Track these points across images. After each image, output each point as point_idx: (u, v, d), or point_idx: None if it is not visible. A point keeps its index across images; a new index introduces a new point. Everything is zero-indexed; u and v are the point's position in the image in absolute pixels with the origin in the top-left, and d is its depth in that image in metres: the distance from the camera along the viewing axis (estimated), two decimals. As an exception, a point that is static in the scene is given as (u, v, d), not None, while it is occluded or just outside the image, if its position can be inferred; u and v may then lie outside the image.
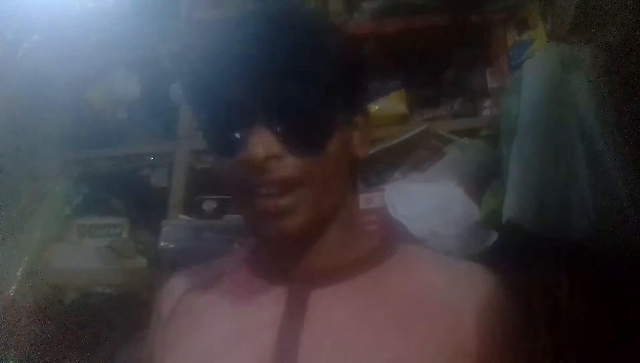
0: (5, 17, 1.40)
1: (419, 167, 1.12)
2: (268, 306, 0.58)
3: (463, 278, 0.60)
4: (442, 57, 1.32)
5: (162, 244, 1.21)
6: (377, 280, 0.59)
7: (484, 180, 1.04)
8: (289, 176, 0.53)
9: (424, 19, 1.25)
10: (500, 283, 0.61)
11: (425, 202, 1.02)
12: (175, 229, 1.24)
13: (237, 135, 0.53)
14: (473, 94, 1.26)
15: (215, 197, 1.32)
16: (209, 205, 1.32)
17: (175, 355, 0.60)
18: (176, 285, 0.68)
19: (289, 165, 0.53)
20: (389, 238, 0.67)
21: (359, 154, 0.61)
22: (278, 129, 0.53)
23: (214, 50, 0.57)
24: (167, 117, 1.42)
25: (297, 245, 0.59)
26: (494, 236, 0.98)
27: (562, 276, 0.93)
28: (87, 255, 1.38)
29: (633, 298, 0.83)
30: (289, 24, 0.56)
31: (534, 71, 0.99)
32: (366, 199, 1.11)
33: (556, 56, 0.98)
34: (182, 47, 1.43)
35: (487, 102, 1.21)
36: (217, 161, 0.58)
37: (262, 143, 0.52)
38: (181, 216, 1.29)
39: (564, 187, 0.88)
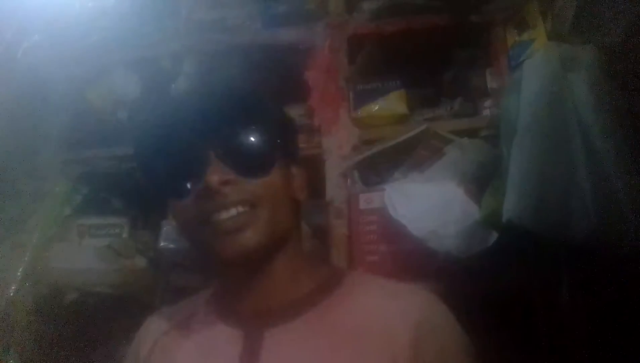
0: (5, 17, 1.40)
1: (419, 167, 1.12)
2: (227, 349, 0.64)
3: (399, 300, 0.65)
4: (442, 57, 1.31)
5: (162, 244, 1.21)
6: (325, 312, 0.65)
7: (484, 180, 1.04)
8: (243, 198, 0.62)
9: (424, 19, 1.25)
10: (439, 302, 0.65)
11: (425, 202, 1.02)
12: (175, 229, 1.24)
13: (195, 172, 0.63)
14: (473, 94, 1.26)
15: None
16: (209, 205, 1.32)
17: None
18: (152, 328, 0.74)
19: (242, 189, 0.63)
20: (333, 270, 0.74)
21: (298, 196, 0.72)
22: (229, 160, 0.63)
23: (173, 114, 0.68)
24: (167, 117, 1.42)
25: (249, 278, 0.66)
26: (494, 236, 0.98)
27: (562, 276, 0.93)
28: (87, 255, 1.38)
29: (633, 298, 0.83)
30: (234, 100, 0.69)
31: (534, 71, 0.99)
32: (366, 199, 1.11)
33: (556, 56, 0.98)
34: (182, 48, 1.43)
35: (487, 102, 1.21)
36: (176, 208, 0.66)
37: (217, 172, 0.62)
38: (181, 216, 1.29)
39: (564, 187, 0.88)
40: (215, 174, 0.62)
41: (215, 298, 0.73)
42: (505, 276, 0.96)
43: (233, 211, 0.62)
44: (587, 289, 0.90)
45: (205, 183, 0.61)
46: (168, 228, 1.24)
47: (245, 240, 0.62)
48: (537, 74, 0.98)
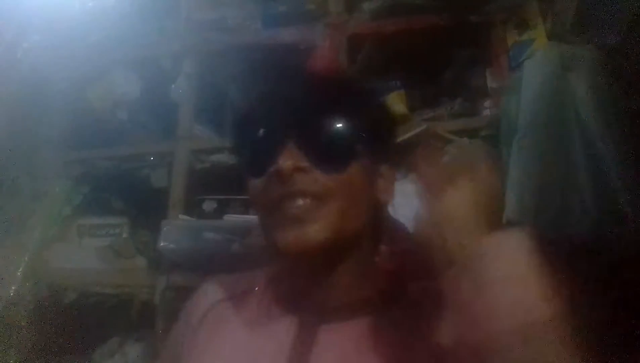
0: (5, 17, 1.40)
1: (419, 167, 1.12)
2: (280, 335, 0.62)
3: None
4: (442, 57, 1.31)
5: (162, 244, 1.21)
6: (379, 322, 0.62)
7: (484, 180, 1.04)
8: (313, 189, 0.58)
9: (424, 19, 1.25)
10: None
11: (425, 202, 1.02)
12: (175, 229, 1.24)
13: (271, 153, 0.59)
14: (473, 94, 1.26)
15: (215, 197, 1.33)
16: (209, 205, 1.32)
17: None
18: (207, 295, 0.71)
19: (314, 179, 0.58)
20: (398, 280, 0.69)
21: (382, 198, 0.67)
22: (305, 147, 0.59)
23: (265, 88, 0.66)
24: (167, 117, 1.42)
25: (313, 274, 0.63)
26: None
27: (562, 277, 0.93)
28: (87, 255, 1.38)
29: (633, 298, 0.83)
30: (336, 83, 0.66)
31: (534, 71, 0.99)
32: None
33: (556, 56, 0.98)
34: (182, 48, 1.43)
35: (487, 102, 1.21)
36: (251, 184, 0.63)
37: (291, 157, 0.58)
38: (181, 216, 1.29)
39: (564, 187, 0.88)
40: (289, 159, 0.58)
41: (274, 282, 0.69)
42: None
43: (300, 202, 0.58)
44: (587, 289, 0.90)
45: (277, 166, 0.58)
46: (168, 228, 1.24)
47: (310, 234, 0.58)
48: (537, 74, 0.98)
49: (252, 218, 1.28)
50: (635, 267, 0.82)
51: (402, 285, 0.67)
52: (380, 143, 0.66)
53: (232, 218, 1.26)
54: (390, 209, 1.02)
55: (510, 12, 1.21)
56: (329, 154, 0.60)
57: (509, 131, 0.98)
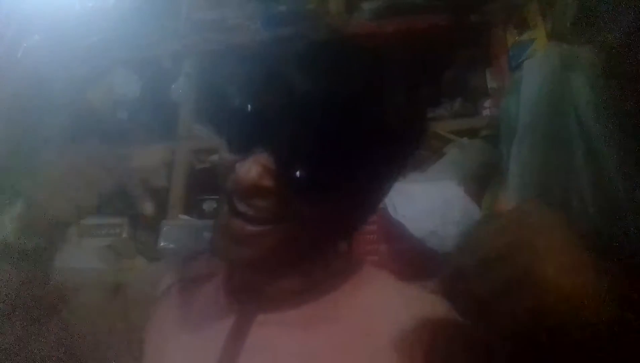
0: (5, 17, 1.40)
1: (419, 167, 1.12)
2: (220, 321, 0.59)
3: (410, 307, 0.56)
4: (442, 57, 1.32)
5: (162, 244, 1.21)
6: (325, 306, 0.57)
7: (484, 180, 1.04)
8: (271, 213, 0.49)
9: (424, 19, 1.25)
10: (450, 313, 0.57)
11: (425, 202, 1.02)
12: (175, 229, 1.24)
13: (252, 145, 0.49)
14: (473, 94, 1.26)
15: (215, 197, 1.32)
16: (209, 205, 1.32)
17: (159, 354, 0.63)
18: (172, 274, 0.71)
19: (277, 203, 0.48)
20: (351, 261, 0.63)
21: None
22: (285, 167, 0.47)
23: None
24: (167, 117, 1.42)
25: (250, 253, 0.55)
26: (494, 236, 0.98)
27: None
28: (87, 255, 1.38)
29: (633, 298, 0.83)
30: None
31: (534, 71, 0.99)
32: (366, 199, 1.11)
33: (556, 56, 0.98)
34: (182, 48, 1.43)
35: (487, 102, 1.21)
36: (222, 155, 0.53)
37: (259, 169, 0.47)
38: (181, 216, 1.29)
39: (564, 187, 0.88)
40: (255, 170, 0.47)
41: (226, 267, 0.65)
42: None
43: (251, 214, 0.50)
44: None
45: (243, 172, 0.48)
46: (168, 228, 1.24)
47: (244, 255, 0.52)
48: (537, 74, 0.98)
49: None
50: (635, 267, 0.82)
51: (348, 269, 0.61)
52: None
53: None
54: (390, 210, 1.03)
55: (510, 12, 1.21)
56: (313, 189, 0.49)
57: (509, 131, 0.98)
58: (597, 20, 0.99)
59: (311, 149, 0.47)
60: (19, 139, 1.39)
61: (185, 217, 1.29)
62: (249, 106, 0.51)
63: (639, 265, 0.81)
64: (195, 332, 0.61)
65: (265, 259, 0.52)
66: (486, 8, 1.23)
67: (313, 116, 0.46)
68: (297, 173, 0.47)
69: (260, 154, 0.48)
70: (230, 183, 0.50)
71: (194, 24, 1.45)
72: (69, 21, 1.45)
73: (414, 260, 1.02)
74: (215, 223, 0.54)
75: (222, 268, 0.65)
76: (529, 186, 0.91)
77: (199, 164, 1.36)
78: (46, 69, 1.44)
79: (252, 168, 0.47)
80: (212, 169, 1.34)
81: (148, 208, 1.37)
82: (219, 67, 1.43)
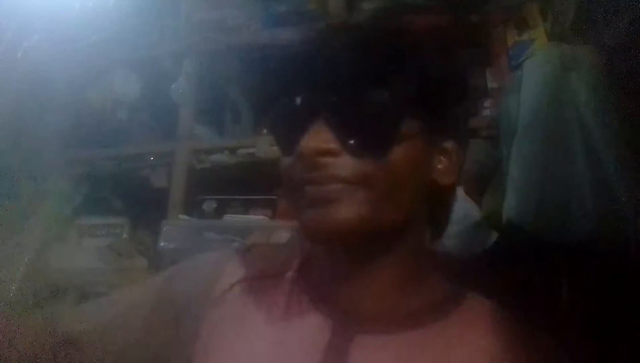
0: (5, 17, 1.40)
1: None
2: (310, 334, 0.53)
3: (520, 352, 0.52)
4: (442, 57, 1.31)
5: (162, 244, 1.21)
6: (428, 339, 0.52)
7: (484, 180, 1.04)
8: (343, 175, 0.49)
9: (424, 19, 1.25)
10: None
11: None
12: (175, 229, 1.24)
13: (297, 131, 0.50)
14: (473, 94, 1.26)
15: (215, 197, 1.33)
16: (209, 205, 1.32)
17: (216, 356, 0.56)
18: (233, 270, 0.61)
19: (345, 164, 0.49)
20: (455, 289, 0.58)
21: (441, 180, 0.54)
22: (337, 127, 0.49)
23: (290, 50, 0.55)
24: (167, 117, 1.43)
25: (348, 268, 0.54)
26: (494, 236, 0.98)
27: (562, 277, 0.93)
28: (87, 255, 1.38)
29: (633, 299, 0.83)
30: (376, 36, 0.53)
31: (534, 71, 0.99)
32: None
33: (556, 56, 0.98)
34: (182, 48, 1.43)
35: (487, 102, 1.21)
36: (281, 161, 0.54)
37: (317, 138, 0.49)
38: (181, 216, 1.29)
39: (564, 187, 0.88)
40: (314, 141, 0.48)
41: (306, 273, 0.59)
42: (505, 277, 0.96)
43: (325, 186, 0.49)
44: (587, 289, 0.90)
45: (300, 148, 0.49)
46: (168, 228, 1.24)
47: (334, 216, 0.48)
48: (537, 74, 0.98)
49: (252, 218, 1.28)
50: (635, 268, 0.82)
51: (458, 295, 0.57)
52: (443, 114, 0.53)
53: (232, 218, 1.27)
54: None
55: (510, 12, 1.21)
56: (365, 136, 0.49)
57: (509, 131, 0.98)
58: (597, 20, 0.99)
59: (349, 105, 0.49)
60: (19, 139, 1.39)
61: (185, 217, 1.29)
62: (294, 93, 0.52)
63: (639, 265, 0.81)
64: (267, 341, 0.55)
65: (354, 226, 0.49)
66: (486, 8, 1.23)
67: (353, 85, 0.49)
68: (351, 133, 0.49)
69: (315, 126, 0.49)
70: (296, 166, 0.50)
71: (194, 24, 1.45)
72: (69, 21, 1.45)
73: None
74: (294, 204, 0.52)
75: (295, 269, 0.59)
76: (529, 186, 0.91)
77: (199, 164, 1.36)
78: (46, 69, 1.44)
79: (310, 139, 0.49)
80: (213, 169, 1.34)
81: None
82: (219, 67, 1.43)
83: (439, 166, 0.54)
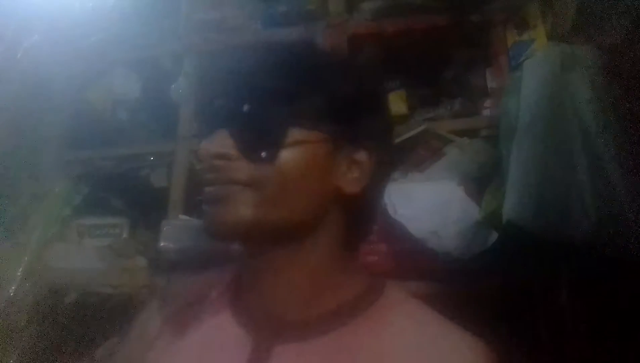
0: (5, 17, 1.40)
1: (419, 167, 1.12)
2: (233, 352, 0.55)
3: (442, 345, 0.54)
4: (442, 57, 1.31)
5: (162, 244, 1.21)
6: (346, 337, 0.54)
7: (484, 180, 1.04)
8: (237, 178, 0.53)
9: (424, 19, 1.25)
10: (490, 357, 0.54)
11: (425, 202, 1.02)
12: (175, 229, 1.24)
13: (205, 135, 0.56)
14: (473, 94, 1.26)
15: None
16: (209, 205, 1.32)
17: None
18: (162, 306, 0.65)
19: (238, 168, 0.53)
20: (375, 284, 0.60)
21: (345, 188, 0.56)
22: (234, 133, 0.54)
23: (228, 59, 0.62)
24: (167, 117, 1.42)
25: (258, 271, 0.57)
26: (494, 236, 0.98)
27: (562, 277, 0.93)
28: (87, 255, 1.38)
29: (633, 299, 0.83)
30: (288, 57, 0.58)
31: (534, 71, 0.99)
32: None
33: (556, 56, 0.98)
34: (182, 48, 1.43)
35: (487, 102, 1.21)
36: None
37: (217, 142, 0.54)
38: (181, 216, 1.29)
39: (564, 187, 0.88)
40: (212, 145, 0.54)
41: (231, 283, 0.62)
42: (505, 277, 0.96)
43: (221, 188, 0.54)
44: (587, 289, 0.90)
45: (200, 148, 0.55)
46: (168, 228, 1.23)
47: (226, 213, 0.53)
48: (537, 74, 0.98)
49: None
50: (635, 267, 0.82)
51: (375, 291, 0.59)
52: (346, 126, 0.55)
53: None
54: (390, 210, 1.03)
55: (510, 12, 1.21)
56: (255, 143, 0.53)
57: (509, 131, 0.98)
58: (597, 20, 0.99)
59: (243, 112, 0.54)
60: (19, 139, 1.39)
61: (185, 217, 1.29)
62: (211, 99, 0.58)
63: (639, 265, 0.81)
64: (203, 359, 0.57)
65: (244, 226, 0.53)
66: (486, 8, 1.23)
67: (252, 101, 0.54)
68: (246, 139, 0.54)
69: (219, 131, 0.55)
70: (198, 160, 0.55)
71: (194, 24, 1.44)
72: (69, 21, 1.45)
73: (414, 260, 1.02)
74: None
75: (223, 287, 0.62)
76: (529, 186, 0.91)
77: (199, 164, 1.36)
78: (46, 69, 1.44)
79: (210, 142, 0.54)
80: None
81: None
82: (219, 67, 1.43)
83: (347, 175, 0.56)
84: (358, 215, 0.59)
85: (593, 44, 0.98)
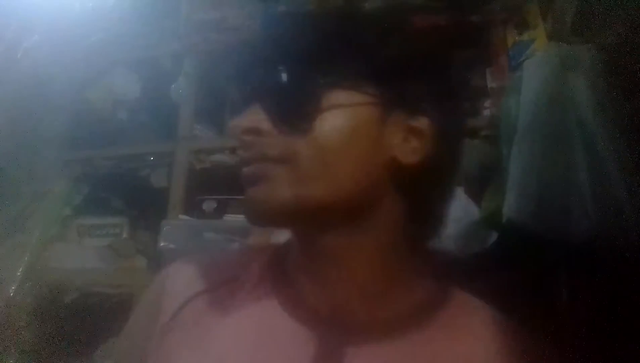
0: (5, 17, 1.40)
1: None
2: (290, 349, 0.48)
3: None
4: (442, 57, 1.31)
5: (162, 244, 1.21)
6: (424, 345, 0.49)
7: (484, 180, 1.04)
8: (272, 154, 0.48)
9: (424, 19, 1.25)
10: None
11: (425, 202, 1.02)
12: (175, 229, 1.24)
13: (236, 113, 0.51)
14: (473, 94, 1.26)
15: (215, 197, 1.33)
16: (209, 205, 1.32)
17: None
18: (181, 282, 0.56)
19: (271, 143, 0.48)
20: (443, 287, 0.54)
21: (402, 158, 0.49)
22: (265, 106, 0.49)
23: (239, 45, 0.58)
24: (167, 117, 1.42)
25: (311, 257, 0.51)
26: (494, 236, 0.98)
27: (562, 277, 0.93)
28: (87, 255, 1.38)
29: (633, 299, 0.83)
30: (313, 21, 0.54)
31: (534, 71, 0.99)
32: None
33: (556, 56, 0.98)
34: (182, 48, 1.43)
35: (487, 102, 1.21)
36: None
37: (247, 118, 0.49)
38: (181, 216, 1.29)
39: (564, 187, 0.88)
40: (243, 120, 0.49)
41: (276, 268, 0.54)
42: (505, 277, 0.96)
43: (256, 165, 0.48)
44: (587, 289, 0.90)
45: (231, 125, 0.50)
46: (168, 228, 1.24)
47: (261, 197, 0.47)
48: (537, 74, 0.98)
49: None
50: (635, 267, 0.81)
51: (446, 295, 0.53)
52: (400, 86, 0.49)
53: (232, 218, 1.26)
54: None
55: (510, 12, 1.21)
56: (286, 111, 0.48)
57: (509, 131, 0.98)
58: (597, 20, 0.99)
59: (273, 85, 0.49)
60: (19, 139, 1.39)
61: (185, 217, 1.29)
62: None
63: (639, 265, 0.81)
64: (252, 356, 0.49)
65: (282, 205, 0.47)
66: (486, 8, 1.23)
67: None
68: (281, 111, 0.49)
69: (251, 108, 0.50)
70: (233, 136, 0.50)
71: (194, 24, 1.44)
72: (69, 21, 1.45)
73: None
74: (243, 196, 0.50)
75: (260, 269, 0.54)
76: (529, 186, 0.91)
77: (199, 164, 1.36)
78: (46, 69, 1.44)
79: (241, 118, 0.49)
80: (213, 169, 1.34)
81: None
82: (219, 67, 1.43)
83: (404, 144, 0.49)
84: (421, 198, 0.51)
85: (593, 44, 0.97)
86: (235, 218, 1.26)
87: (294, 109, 0.47)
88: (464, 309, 0.52)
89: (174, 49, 1.45)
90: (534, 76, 0.98)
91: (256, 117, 0.49)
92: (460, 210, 1.00)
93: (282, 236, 0.59)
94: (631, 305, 0.83)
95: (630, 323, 0.83)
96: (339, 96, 0.47)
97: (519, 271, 0.95)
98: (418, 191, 0.51)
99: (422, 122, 0.49)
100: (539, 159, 0.91)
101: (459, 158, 0.55)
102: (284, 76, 0.48)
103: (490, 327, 0.51)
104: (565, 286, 0.93)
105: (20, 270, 1.32)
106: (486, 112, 1.21)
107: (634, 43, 0.89)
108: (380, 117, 0.48)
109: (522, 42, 1.16)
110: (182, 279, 0.57)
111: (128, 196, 1.48)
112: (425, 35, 1.25)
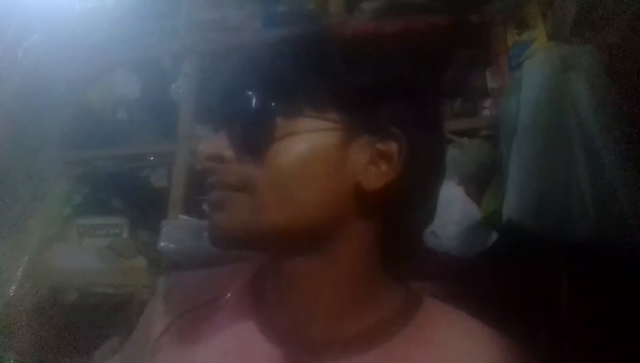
0: (5, 17, 1.40)
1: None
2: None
3: (474, 344, 0.51)
4: (442, 57, 1.31)
5: (162, 244, 1.21)
6: (392, 356, 0.49)
7: (484, 180, 1.04)
8: (227, 182, 0.49)
9: (424, 19, 1.25)
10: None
11: (425, 202, 1.02)
12: (175, 229, 1.24)
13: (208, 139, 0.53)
14: (473, 94, 1.26)
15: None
16: (209, 205, 1.32)
17: None
18: (171, 297, 0.60)
19: (229, 171, 0.49)
20: (413, 296, 0.54)
21: (367, 184, 0.48)
22: (228, 134, 0.50)
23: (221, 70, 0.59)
24: (167, 117, 1.42)
25: (279, 280, 0.52)
26: (494, 236, 0.98)
27: (562, 277, 0.93)
28: (87, 255, 1.38)
29: (633, 299, 0.83)
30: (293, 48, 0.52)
31: (534, 71, 0.99)
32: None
33: (556, 56, 0.98)
34: (182, 47, 1.43)
35: (487, 102, 1.21)
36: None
37: (212, 143, 0.50)
38: (181, 216, 1.29)
39: (564, 187, 0.88)
40: (208, 146, 0.50)
41: (250, 285, 0.56)
42: (505, 277, 0.96)
43: (216, 193, 0.50)
44: (587, 289, 0.90)
45: (197, 151, 0.51)
46: (168, 228, 1.23)
47: (220, 222, 0.49)
48: (537, 74, 0.98)
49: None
50: (635, 267, 0.82)
51: (412, 304, 0.53)
52: (363, 110, 0.48)
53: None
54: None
55: (510, 12, 1.21)
56: (243, 140, 0.48)
57: (509, 131, 0.98)
58: (597, 20, 0.99)
59: (235, 113, 0.50)
60: (19, 139, 1.39)
61: (185, 217, 1.29)
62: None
63: (639, 266, 0.81)
64: None
65: (239, 230, 0.48)
66: (486, 8, 1.23)
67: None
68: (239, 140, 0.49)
69: (218, 134, 0.51)
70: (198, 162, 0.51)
71: (194, 24, 1.44)
72: (69, 21, 1.45)
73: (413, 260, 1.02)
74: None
75: (240, 288, 0.56)
76: (529, 186, 0.91)
77: (199, 164, 1.36)
78: (46, 69, 1.44)
79: (206, 144, 0.51)
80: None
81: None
82: (219, 67, 1.43)
83: (371, 169, 0.48)
84: (390, 220, 0.51)
85: (593, 44, 0.97)
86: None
87: (252, 138, 0.48)
88: (433, 316, 0.52)
89: (174, 49, 1.45)
90: (534, 76, 0.98)
91: (220, 143, 0.50)
92: (460, 210, 1.00)
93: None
94: (631, 305, 0.83)
95: (630, 323, 0.83)
96: (298, 124, 0.47)
97: (519, 271, 0.95)
98: (386, 214, 0.50)
99: (390, 146, 0.48)
100: (538, 159, 0.91)
101: (431, 179, 0.55)
102: (244, 104, 0.49)
103: (459, 330, 0.52)
104: (565, 286, 0.93)
105: (20, 270, 1.32)
106: (486, 112, 1.21)
107: (634, 43, 0.89)
108: (342, 143, 0.48)
109: (522, 42, 1.17)
110: (172, 295, 0.60)
111: (128, 196, 1.48)
112: (424, 35, 1.25)
